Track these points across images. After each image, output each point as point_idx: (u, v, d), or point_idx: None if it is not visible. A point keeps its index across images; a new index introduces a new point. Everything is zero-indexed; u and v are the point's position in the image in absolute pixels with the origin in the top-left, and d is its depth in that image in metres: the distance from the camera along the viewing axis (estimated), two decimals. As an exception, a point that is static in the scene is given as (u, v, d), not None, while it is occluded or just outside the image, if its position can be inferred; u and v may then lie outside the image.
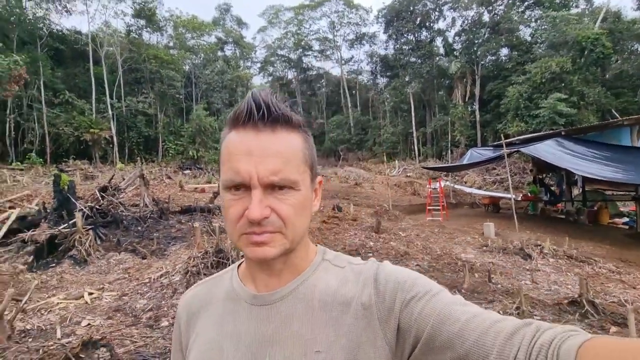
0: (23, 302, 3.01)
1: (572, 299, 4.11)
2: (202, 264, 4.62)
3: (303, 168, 0.54)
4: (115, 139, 23.58)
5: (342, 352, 0.51)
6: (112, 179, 8.49)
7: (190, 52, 35.05)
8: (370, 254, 6.29)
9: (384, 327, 0.52)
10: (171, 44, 35.26)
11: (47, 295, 3.86)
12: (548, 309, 3.95)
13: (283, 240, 0.52)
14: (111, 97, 24.99)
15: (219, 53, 39.53)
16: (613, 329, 3.48)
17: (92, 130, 21.51)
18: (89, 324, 3.29)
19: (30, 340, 2.85)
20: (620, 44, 24.32)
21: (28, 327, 3.13)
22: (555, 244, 6.70)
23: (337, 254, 0.64)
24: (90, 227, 5.66)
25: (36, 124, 20.91)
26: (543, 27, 26.64)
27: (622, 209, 12.18)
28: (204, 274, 4.54)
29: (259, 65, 47.28)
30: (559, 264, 5.84)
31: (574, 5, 27.71)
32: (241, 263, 0.65)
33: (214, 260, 4.75)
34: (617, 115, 17.45)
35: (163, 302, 3.86)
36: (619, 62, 24.64)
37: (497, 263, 5.90)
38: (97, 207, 6.91)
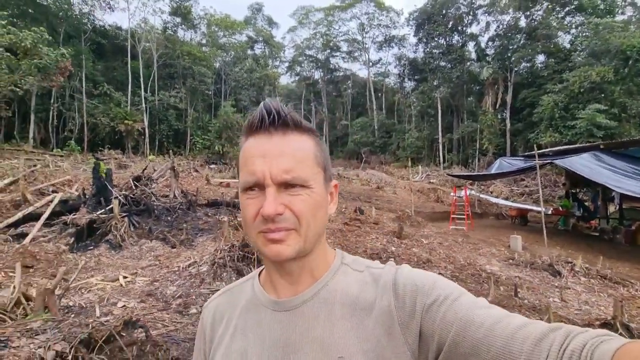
0: (71, 281, 3.24)
1: (605, 320, 3.93)
2: (229, 257, 4.77)
3: (316, 168, 0.56)
4: (147, 130, 24.59)
5: (364, 358, 0.51)
6: (145, 169, 8.88)
7: (222, 49, 36.00)
8: (392, 259, 6.26)
9: (405, 332, 0.51)
10: (204, 41, 36.36)
11: (86, 276, 4.12)
12: (578, 329, 3.81)
13: (298, 239, 0.54)
14: (145, 91, 26.09)
15: (249, 51, 40.35)
16: (649, 355, 3.31)
17: (126, 121, 22.53)
18: (124, 306, 3.49)
19: (72, 315, 3.06)
20: (670, 54, 22.80)
21: (70, 304, 3.36)
22: (588, 263, 6.41)
23: (355, 257, 0.64)
24: (125, 214, 5.96)
25: (76, 114, 22.14)
26: (584, 34, 25.40)
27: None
28: (230, 267, 4.69)
29: (286, 64, 47.86)
30: (591, 284, 5.59)
31: (619, 12, 26.25)
32: (261, 270, 0.67)
33: (240, 253, 4.88)
34: (662, 130, 16.43)
35: (192, 290, 4.03)
36: (666, 73, 23.11)
37: (523, 277, 5.72)
38: (131, 195, 7.26)
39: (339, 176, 26.42)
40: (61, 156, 16.23)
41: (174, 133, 27.98)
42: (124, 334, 2.31)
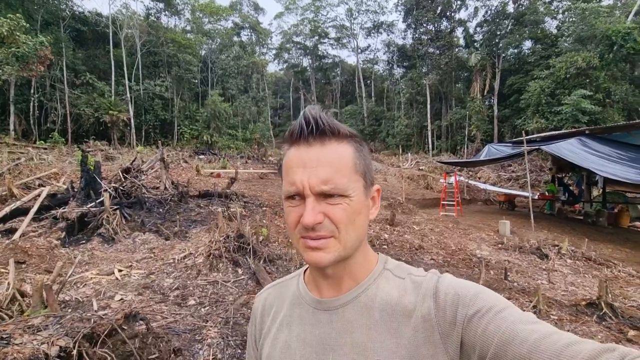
0: (68, 275, 3.20)
1: (590, 300, 4.11)
2: (224, 248, 4.77)
3: (354, 177, 0.56)
4: (132, 121, 24.01)
5: None
6: (134, 161, 8.71)
7: (207, 36, 35.05)
8: (385, 246, 6.37)
9: (446, 341, 0.51)
10: (188, 27, 35.32)
11: (80, 270, 4.08)
12: (565, 310, 3.98)
13: (337, 246, 0.55)
14: (130, 80, 25.34)
15: (235, 38, 39.39)
16: (631, 332, 3.49)
17: (111, 112, 21.92)
18: (121, 299, 3.48)
19: (70, 310, 3.04)
20: (653, 40, 23.24)
21: (67, 298, 3.33)
22: (573, 245, 6.64)
23: (398, 263, 0.65)
24: (116, 207, 5.87)
25: (58, 104, 21.41)
26: (571, 19, 25.59)
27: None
28: (226, 257, 4.70)
29: (274, 51, 47.04)
30: (576, 266, 5.81)
31: (605, -4, 26.51)
32: (307, 268, 0.69)
33: (235, 244, 4.90)
34: (644, 115, 16.88)
35: (188, 282, 4.04)
36: (649, 59, 23.59)
37: (512, 261, 5.91)
38: (121, 188, 7.14)
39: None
40: (45, 148, 15.75)
41: (160, 123, 27.40)
42: (125, 327, 2.31)
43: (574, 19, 24.43)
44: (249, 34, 43.02)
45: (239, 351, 2.80)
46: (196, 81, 31.82)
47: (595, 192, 12.62)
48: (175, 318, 3.22)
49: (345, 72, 46.43)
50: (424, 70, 32.34)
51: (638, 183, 8.21)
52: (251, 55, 38.04)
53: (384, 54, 42.31)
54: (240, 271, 4.46)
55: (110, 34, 24.52)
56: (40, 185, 7.74)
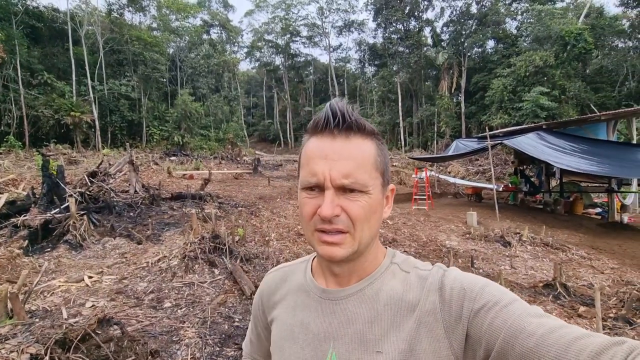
0: (34, 283, 3.07)
1: (547, 282, 4.46)
2: (200, 249, 4.74)
3: (375, 174, 0.56)
4: (97, 122, 22.91)
5: (401, 357, 0.52)
6: (100, 164, 8.37)
7: (175, 34, 34.02)
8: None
9: (450, 336, 0.51)
10: (154, 25, 34.10)
11: (47, 279, 3.92)
12: (525, 291, 4.29)
13: (352, 242, 0.55)
14: (92, 80, 24.14)
15: (205, 36, 38.48)
16: (582, 308, 3.83)
17: (72, 113, 20.79)
18: (93, 305, 3.39)
19: (37, 320, 2.93)
20: (602, 40, 25.09)
21: (33, 308, 3.20)
22: (533, 232, 7.11)
23: (406, 257, 0.64)
24: (83, 212, 5.65)
25: (13, 106, 20.04)
26: (529, 20, 27.13)
27: (596, 200, 12.88)
28: (202, 259, 4.67)
29: (245, 50, 46.39)
30: (536, 251, 6.24)
31: (559, -1, 28.26)
32: (315, 256, 0.70)
33: (210, 245, 4.87)
34: (595, 109, 18.23)
35: (163, 285, 3.98)
36: (599, 57, 25.46)
37: (479, 250, 6.25)
38: (88, 192, 6.86)
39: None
40: (0, 153, 14.74)
41: (127, 124, 26.30)
42: (99, 332, 2.29)
43: (531, 20, 25.90)
44: (219, 31, 42.18)
45: (217, 349, 2.83)
46: (164, 80, 30.81)
47: (553, 183, 13.49)
48: (151, 321, 3.19)
49: (318, 71, 46.58)
50: (394, 69, 33.08)
51: (589, 173, 8.91)
52: (222, 53, 37.31)
53: (355, 52, 42.99)
54: (216, 271, 4.45)
55: (69, 31, 23.22)
56: (-4, 193, 7.28)
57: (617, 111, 10.55)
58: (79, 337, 2.08)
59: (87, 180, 7.43)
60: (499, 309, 0.48)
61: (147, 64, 27.11)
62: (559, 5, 27.02)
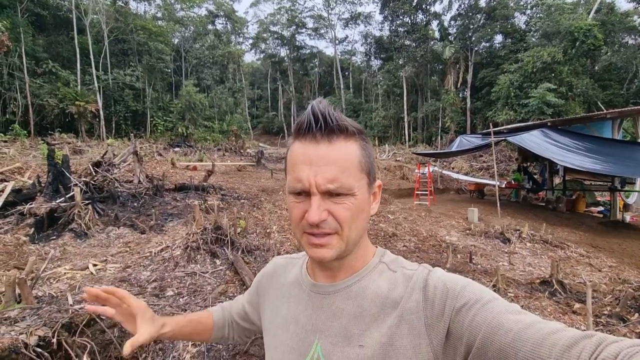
0: (41, 270, 3.17)
1: (544, 279, 4.50)
2: (202, 240, 4.82)
3: (359, 175, 0.57)
4: (101, 112, 23.01)
5: (380, 350, 0.54)
6: (105, 154, 8.45)
7: (180, 24, 33.87)
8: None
9: (430, 333, 0.53)
10: (159, 14, 33.95)
11: (52, 266, 4.02)
12: (521, 288, 4.34)
13: (340, 242, 0.57)
14: (97, 69, 24.18)
15: (210, 27, 38.31)
16: (577, 305, 3.87)
17: (77, 102, 20.88)
18: (97, 293, 3.48)
19: (44, 305, 3.03)
20: (611, 36, 24.68)
21: (40, 294, 3.30)
22: (533, 230, 7.13)
23: (395, 257, 0.67)
24: (88, 201, 5.75)
25: (18, 94, 20.15)
26: (538, 15, 26.71)
27: (599, 199, 12.83)
28: (204, 249, 4.75)
29: (250, 41, 46.13)
30: (535, 248, 6.27)
31: (570, -7, 27.74)
32: None
33: (212, 236, 4.95)
34: (603, 107, 18.00)
35: (166, 274, 4.07)
36: (608, 54, 25.06)
37: (478, 245, 6.29)
38: (92, 182, 6.95)
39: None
40: (5, 141, 14.88)
41: (132, 114, 26.39)
42: (103, 318, 2.37)
43: (540, 14, 25.50)
44: (224, 22, 41.92)
45: (218, 337, 2.91)
46: (169, 71, 30.79)
47: (557, 180, 13.45)
48: (154, 309, 3.27)
49: (323, 63, 46.28)
50: (400, 63, 32.79)
51: (592, 171, 8.87)
52: (227, 44, 37.18)
53: (361, 45, 42.62)
54: (218, 262, 4.53)
55: (74, 20, 23.18)
56: (3, 181, 7.40)
57: (623, 109, 10.43)
58: (84, 322, 2.16)
59: (92, 170, 7.52)
60: (480, 307, 0.50)
61: (152, 54, 27.07)
62: (569, 0, 26.54)
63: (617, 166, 8.29)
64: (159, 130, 26.89)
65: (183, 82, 30.10)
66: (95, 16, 25.03)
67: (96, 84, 23.38)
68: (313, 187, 0.54)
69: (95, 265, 4.16)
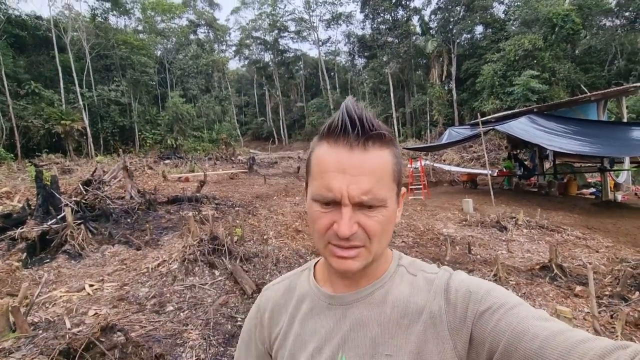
0: (35, 295, 3.08)
1: (543, 264, 4.53)
2: (199, 251, 4.75)
3: (392, 185, 0.54)
4: (88, 130, 22.70)
5: (409, 358, 0.53)
6: (94, 172, 8.32)
7: (161, 36, 33.66)
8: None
9: (455, 337, 0.51)
10: (140, 27, 33.69)
11: (47, 290, 3.92)
12: (522, 275, 4.36)
13: (367, 255, 0.54)
14: (81, 87, 23.87)
15: (192, 37, 38.14)
16: (578, 288, 3.90)
17: (63, 121, 20.58)
18: (96, 313, 3.40)
19: (40, 332, 2.95)
20: (589, 20, 25.13)
21: (35, 320, 3.22)
22: (529, 216, 7.20)
23: (412, 260, 0.65)
24: (80, 221, 5.64)
25: (1, 118, 19.79)
26: (516, 3, 27.11)
27: (590, 180, 13.02)
28: (201, 261, 4.69)
29: (234, 48, 46.02)
30: (531, 234, 6.33)
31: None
32: (317, 262, 0.69)
33: (209, 247, 4.89)
34: (586, 90, 18.30)
35: (165, 289, 4.01)
36: (587, 37, 25.52)
37: (475, 236, 6.32)
38: (83, 201, 6.83)
39: (299, 159, 26.48)
40: (-9, 166, 14.59)
41: (119, 130, 26.09)
42: (103, 340, 2.31)
43: (518, 3, 25.87)
44: (206, 31, 41.78)
45: (222, 349, 2.87)
46: (154, 83, 30.52)
47: (547, 165, 13.63)
48: (155, 325, 3.21)
49: (308, 66, 46.33)
50: (384, 60, 32.97)
51: (581, 153, 9.00)
52: (210, 53, 37.01)
53: (344, 45, 42.81)
54: (217, 273, 4.48)
55: (54, 38, 22.88)
56: (-9, 206, 7.24)
57: (606, 91, 10.62)
58: (82, 346, 2.10)
59: (82, 189, 7.39)
60: (504, 312, 0.48)
61: (136, 68, 26.82)
62: (545, -13, 26.96)
63: (604, 147, 8.42)
64: (147, 144, 26.61)
65: (169, 94, 29.86)
66: (75, 33, 24.73)
67: (81, 102, 23.07)
68: (345, 198, 0.51)
69: (91, 285, 4.07)
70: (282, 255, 5.10)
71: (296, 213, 7.78)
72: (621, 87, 10.59)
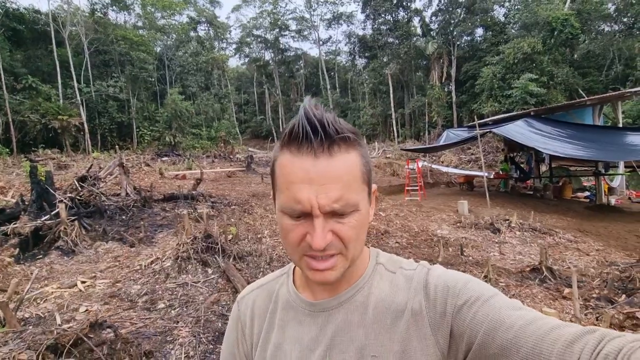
0: (25, 291, 3.09)
1: (534, 266, 4.57)
2: (192, 249, 4.76)
3: (362, 187, 0.53)
4: (86, 125, 22.62)
5: (394, 358, 0.53)
6: (90, 168, 8.31)
7: (161, 32, 33.56)
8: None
9: (436, 333, 0.52)
10: (140, 23, 33.58)
11: (39, 286, 3.93)
12: (512, 277, 4.40)
13: (344, 262, 0.53)
14: (78, 82, 23.76)
15: (192, 34, 38.03)
16: (567, 290, 3.94)
17: (60, 117, 20.50)
18: (87, 310, 3.42)
19: (30, 327, 2.96)
20: (588, 25, 25.25)
21: (26, 315, 3.23)
22: (522, 218, 7.24)
23: (389, 256, 0.64)
24: (74, 217, 5.64)
25: (-2, 112, 19.70)
26: (516, 7, 27.19)
27: (585, 184, 13.10)
28: (195, 259, 4.70)
29: (234, 46, 45.96)
30: (524, 236, 6.37)
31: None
32: (295, 268, 0.67)
33: (203, 245, 4.90)
34: (584, 94, 18.40)
35: (157, 286, 4.02)
36: (586, 42, 25.62)
37: (469, 238, 6.36)
38: (78, 197, 6.83)
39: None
40: (-14, 161, 14.54)
41: (117, 126, 26.00)
42: (91, 336, 2.32)
43: (519, 6, 25.95)
44: (206, 28, 41.68)
45: (211, 347, 2.89)
46: (153, 80, 30.44)
47: (544, 168, 13.69)
48: (145, 322, 3.23)
49: (309, 65, 46.30)
50: (385, 60, 33.00)
51: (576, 157, 9.06)
52: (210, 50, 36.94)
53: (345, 45, 42.73)
54: (209, 271, 4.49)
55: (52, 32, 22.76)
56: (-15, 201, 7.22)
57: (602, 95, 10.69)
58: (71, 342, 2.12)
59: (77, 185, 7.39)
60: (481, 304, 0.49)
61: (134, 64, 26.74)
62: (545, -10, 27.05)
63: (599, 151, 8.48)
64: (145, 141, 26.55)
65: (168, 91, 29.76)
66: (74, 28, 24.62)
67: (79, 97, 22.98)
68: (316, 209, 0.48)
69: (83, 282, 4.08)
70: (276, 254, 5.12)
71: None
72: (617, 92, 10.68)
